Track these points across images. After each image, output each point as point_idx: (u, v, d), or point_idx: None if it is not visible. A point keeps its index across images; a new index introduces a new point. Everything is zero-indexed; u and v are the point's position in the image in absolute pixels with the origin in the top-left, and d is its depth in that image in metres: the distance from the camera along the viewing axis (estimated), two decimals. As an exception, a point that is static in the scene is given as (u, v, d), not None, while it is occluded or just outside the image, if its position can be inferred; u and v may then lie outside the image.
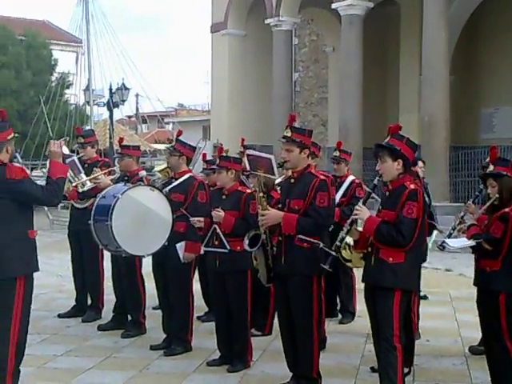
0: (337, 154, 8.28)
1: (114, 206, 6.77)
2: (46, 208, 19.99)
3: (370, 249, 5.22)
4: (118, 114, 32.61)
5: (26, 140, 25.19)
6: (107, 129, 28.85)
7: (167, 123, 44.47)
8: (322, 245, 5.44)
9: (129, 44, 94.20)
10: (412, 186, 5.11)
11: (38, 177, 23.94)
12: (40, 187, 5.49)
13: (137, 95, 40.38)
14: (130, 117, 43.70)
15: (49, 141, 5.79)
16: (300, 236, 5.53)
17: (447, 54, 18.15)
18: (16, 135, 5.69)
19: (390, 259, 5.08)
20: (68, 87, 30.60)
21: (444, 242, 5.80)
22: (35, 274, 11.62)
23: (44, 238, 18.35)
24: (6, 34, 30.38)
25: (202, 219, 6.60)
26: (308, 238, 5.51)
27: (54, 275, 11.97)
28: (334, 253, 5.25)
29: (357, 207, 5.21)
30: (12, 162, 5.56)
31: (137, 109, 42.67)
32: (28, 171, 5.73)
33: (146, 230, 6.87)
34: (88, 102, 26.78)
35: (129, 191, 6.94)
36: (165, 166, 7.55)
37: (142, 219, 6.89)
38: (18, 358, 5.45)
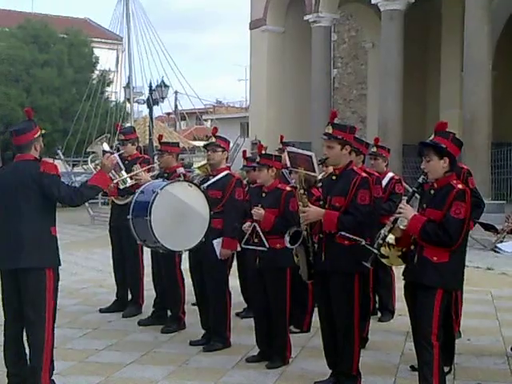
0: (374, 149, 8.22)
1: (153, 202, 6.81)
2: (86, 204, 20.34)
3: (412, 247, 5.17)
4: (157, 111, 32.85)
5: (68, 137, 25.46)
6: (147, 126, 29.08)
7: (205, 120, 44.63)
8: (363, 242, 5.41)
9: (168, 40, 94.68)
10: (460, 186, 5.05)
11: (79, 173, 24.32)
12: (67, 187, 5.72)
13: (175, 92, 40.59)
14: (168, 114, 43.97)
15: (104, 154, 5.93)
16: (342, 233, 5.51)
17: (490, 49, 17.83)
18: (43, 132, 5.84)
19: (435, 258, 5.03)
20: (108, 85, 30.81)
21: (496, 246, 5.74)
22: (76, 269, 11.96)
23: (85, 233, 18.63)
24: (48, 33, 30.71)
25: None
26: (350, 236, 5.49)
27: (95, 270, 12.12)
28: (375, 250, 5.21)
29: (401, 205, 5.15)
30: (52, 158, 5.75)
31: (176, 106, 42.86)
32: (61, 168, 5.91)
33: (184, 226, 6.90)
34: (128, 100, 26.96)
35: (167, 187, 6.97)
36: (204, 162, 7.56)
37: (180, 215, 6.92)
38: (52, 349, 5.63)
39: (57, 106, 28.71)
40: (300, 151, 6.61)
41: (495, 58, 19.42)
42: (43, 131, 5.91)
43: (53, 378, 5.68)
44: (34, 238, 5.54)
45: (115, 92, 30.27)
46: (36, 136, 5.72)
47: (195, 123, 44.29)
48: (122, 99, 29.33)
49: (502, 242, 6.64)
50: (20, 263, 5.53)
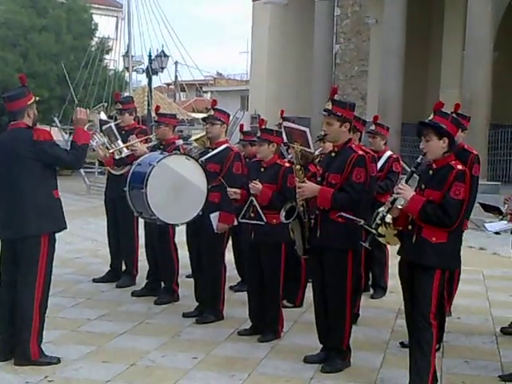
0: (373, 127, 8.19)
1: (149, 174, 6.82)
2: (83, 173, 20.34)
3: (410, 227, 5.18)
4: (156, 81, 32.66)
5: (65, 104, 25.32)
6: (145, 96, 28.90)
7: (205, 92, 44.42)
8: (362, 222, 5.42)
9: (169, 11, 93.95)
10: (459, 167, 5.05)
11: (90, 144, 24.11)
12: (64, 150, 5.77)
13: (176, 63, 40.32)
14: (168, 84, 43.73)
15: (76, 107, 5.92)
16: (342, 213, 5.52)
17: (492, 30, 17.69)
18: (37, 99, 5.81)
19: (433, 239, 5.04)
20: (108, 52, 30.56)
21: (483, 225, 5.77)
22: (71, 239, 11.97)
23: (81, 202, 18.60)
24: (47, -3, 30.39)
25: (238, 191, 6.59)
26: (349, 216, 5.49)
27: (89, 240, 12.14)
28: (374, 231, 5.22)
29: (400, 186, 5.13)
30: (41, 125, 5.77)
31: (176, 77, 42.63)
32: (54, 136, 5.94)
33: (181, 199, 6.91)
34: (127, 69, 26.80)
35: (164, 159, 6.97)
36: (201, 134, 7.54)
37: (176, 188, 6.93)
38: (42, 316, 5.67)
39: (54, 73, 28.45)
40: (295, 126, 6.57)
41: (497, 39, 19.28)
42: (37, 98, 5.88)
43: (43, 347, 5.72)
44: (33, 205, 5.57)
45: (114, 60, 30.10)
46: (29, 103, 5.71)
47: (195, 95, 44.10)
48: (120, 68, 29.16)
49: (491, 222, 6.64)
50: (17, 233, 5.57)
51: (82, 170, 19.99)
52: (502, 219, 6.52)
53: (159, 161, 6.92)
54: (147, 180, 6.79)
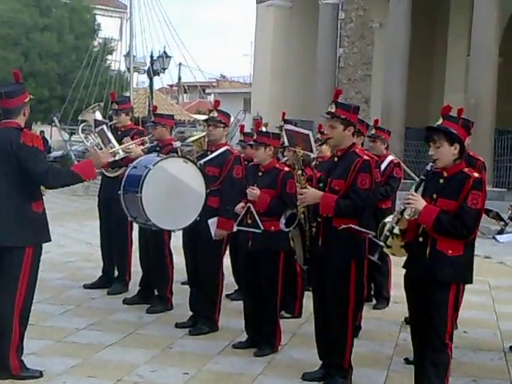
0: (373, 131, 7.97)
1: (145, 178, 6.54)
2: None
3: (421, 238, 4.86)
4: (158, 83, 32.48)
5: (65, 104, 25.14)
6: (147, 97, 28.73)
7: (209, 94, 44.34)
8: (371, 235, 5.10)
9: (174, 13, 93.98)
10: (476, 174, 4.74)
11: (78, 142, 23.99)
12: (46, 164, 5.35)
13: (179, 64, 40.26)
14: (171, 86, 43.66)
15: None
16: (351, 225, 5.22)
17: (498, 35, 17.63)
18: (31, 97, 5.50)
19: (450, 251, 4.72)
20: (110, 53, 30.49)
21: (494, 237, 5.49)
22: (64, 241, 11.71)
23: (77, 204, 18.38)
24: (50, -4, 30.31)
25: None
26: (359, 228, 5.20)
27: (84, 243, 11.87)
28: (382, 243, 4.89)
29: (410, 196, 4.79)
30: (31, 125, 5.44)
31: (179, 78, 42.54)
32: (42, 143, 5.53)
33: (178, 204, 6.63)
34: (128, 69, 26.64)
35: (161, 163, 6.69)
36: (199, 136, 7.25)
37: (173, 192, 6.64)
38: (22, 328, 5.36)
39: (55, 72, 28.34)
40: (298, 129, 6.29)
41: (502, 44, 19.09)
42: (31, 96, 5.59)
43: (25, 359, 5.42)
44: (13, 216, 5.21)
45: (117, 61, 29.97)
46: (26, 101, 5.43)
47: (198, 97, 44.00)
48: (123, 68, 29.03)
49: (503, 230, 6.40)
50: (2, 240, 5.22)
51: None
52: (505, 224, 6.31)
53: (155, 164, 6.64)
54: (143, 184, 6.52)
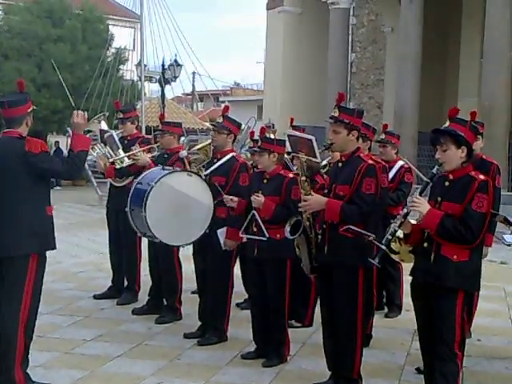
0: (383, 136, 7.85)
1: (148, 195, 6.46)
2: (95, 183, 20.05)
3: (426, 244, 4.75)
4: (171, 92, 32.41)
5: (79, 114, 25.11)
6: (159, 106, 28.71)
7: (222, 102, 44.29)
8: (372, 237, 4.99)
9: (188, 23, 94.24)
10: (481, 177, 4.61)
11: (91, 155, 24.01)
12: (59, 160, 5.37)
13: (193, 73, 40.33)
14: (187, 95, 43.73)
15: (72, 112, 5.52)
16: (351, 226, 5.11)
17: (510, 37, 17.44)
18: (35, 108, 5.45)
19: (455, 257, 4.58)
20: (124, 63, 30.50)
21: (503, 237, 5.34)
22: (77, 251, 11.66)
23: (91, 214, 18.35)
24: (63, 7, 30.30)
25: (235, 198, 6.25)
26: (358, 230, 5.09)
27: (96, 253, 11.80)
28: (383, 247, 4.77)
29: (415, 199, 4.67)
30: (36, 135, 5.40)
31: (193, 87, 42.59)
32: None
33: (185, 219, 6.55)
34: (140, 78, 26.65)
35: (163, 179, 6.59)
36: (204, 144, 7.17)
37: (179, 207, 6.56)
38: (28, 340, 5.29)
39: (69, 83, 28.30)
40: (300, 135, 6.19)
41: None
42: (34, 107, 5.53)
43: (30, 371, 5.35)
44: (22, 223, 5.17)
45: (131, 71, 29.96)
46: (29, 110, 5.37)
47: (212, 105, 43.99)
48: (135, 78, 29.04)
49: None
50: (4, 251, 5.17)
51: (94, 180, 19.74)
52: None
53: (157, 181, 6.54)
54: (146, 202, 6.43)
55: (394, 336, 7.17)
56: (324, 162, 6.64)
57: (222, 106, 41.17)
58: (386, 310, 7.99)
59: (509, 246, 5.79)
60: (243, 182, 6.60)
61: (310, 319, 7.38)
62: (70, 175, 5.63)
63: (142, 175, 6.98)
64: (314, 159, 5.93)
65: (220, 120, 6.79)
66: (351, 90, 25.99)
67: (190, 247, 7.01)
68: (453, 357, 4.60)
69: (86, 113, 5.55)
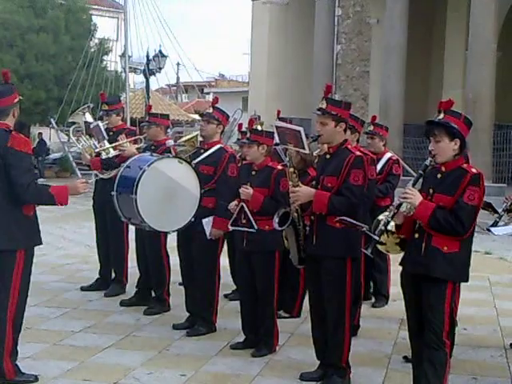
0: (371, 128, 7.88)
1: (139, 179, 6.44)
2: (79, 175, 19.94)
3: (417, 235, 4.78)
4: (156, 82, 32.33)
5: (62, 105, 24.99)
6: (144, 97, 28.62)
7: (207, 93, 44.21)
8: (365, 228, 5.02)
9: (171, 13, 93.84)
10: (474, 170, 4.65)
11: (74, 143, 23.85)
12: (31, 176, 5.19)
13: (178, 64, 40.20)
14: (170, 86, 43.57)
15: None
16: (343, 218, 5.13)
17: (496, 29, 17.59)
18: (20, 98, 5.41)
19: (445, 248, 4.63)
20: (107, 53, 30.34)
21: (488, 229, 5.39)
22: (63, 244, 11.63)
23: (77, 205, 18.18)
24: (46, -3, 30.14)
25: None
26: (351, 221, 5.10)
27: (82, 245, 11.79)
28: (377, 237, 4.80)
29: (408, 190, 4.70)
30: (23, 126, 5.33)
31: (177, 78, 42.43)
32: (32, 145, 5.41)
33: (173, 205, 6.54)
34: (124, 69, 26.53)
35: (156, 163, 6.59)
36: (191, 135, 7.15)
37: (168, 193, 6.55)
38: (16, 333, 5.29)
39: (51, 74, 28.16)
40: (289, 126, 6.18)
41: (500, 39, 19.02)
42: (20, 97, 5.50)
43: (20, 363, 5.35)
44: (3, 220, 5.12)
45: (115, 62, 29.83)
46: (15, 101, 5.32)
47: (197, 96, 43.88)
48: (119, 69, 28.90)
49: (496, 223, 6.31)
50: None
51: (78, 172, 19.63)
52: (499, 217, 6.23)
53: (150, 164, 6.54)
54: (137, 185, 6.42)
55: (381, 326, 7.23)
56: (314, 154, 6.65)
57: (207, 97, 41.10)
58: (373, 300, 8.04)
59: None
60: (232, 172, 6.61)
61: (299, 310, 7.42)
62: (25, 197, 5.14)
63: (131, 160, 6.93)
64: (302, 150, 5.94)
65: (209, 110, 6.78)
66: (337, 81, 26.02)
67: (175, 237, 7.02)
68: (441, 345, 4.65)
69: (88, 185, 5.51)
